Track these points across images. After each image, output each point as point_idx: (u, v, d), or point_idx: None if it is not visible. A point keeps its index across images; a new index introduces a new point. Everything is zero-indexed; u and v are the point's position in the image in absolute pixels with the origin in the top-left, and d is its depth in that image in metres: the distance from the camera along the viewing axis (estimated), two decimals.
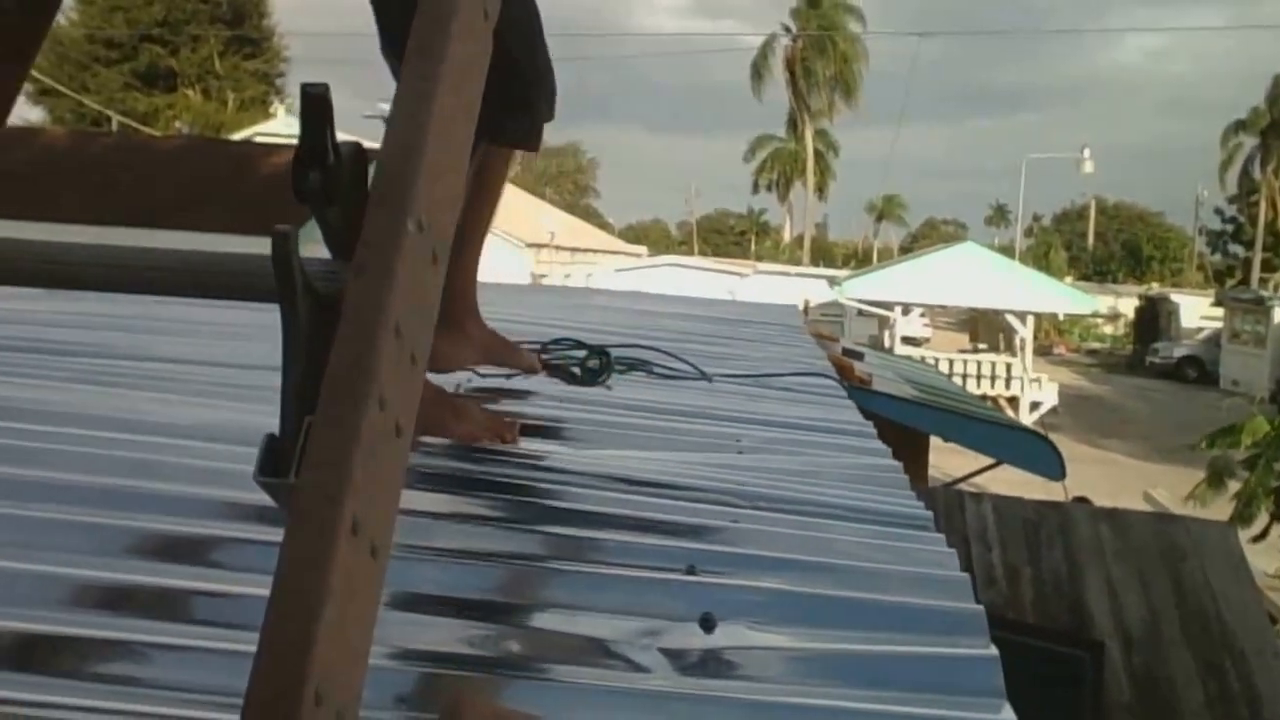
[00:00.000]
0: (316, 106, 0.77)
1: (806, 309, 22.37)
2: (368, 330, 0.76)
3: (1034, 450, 5.11)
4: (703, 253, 55.59)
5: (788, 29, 47.23)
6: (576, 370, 2.53)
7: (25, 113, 32.46)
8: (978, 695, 0.96)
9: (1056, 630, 3.22)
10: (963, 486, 5.88)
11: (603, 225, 50.67)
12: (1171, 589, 3.68)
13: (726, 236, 68.79)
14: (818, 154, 49.46)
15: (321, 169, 0.76)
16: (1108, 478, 15.73)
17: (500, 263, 23.61)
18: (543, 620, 1.08)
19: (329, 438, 0.71)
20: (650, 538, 1.24)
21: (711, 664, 1.00)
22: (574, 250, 28.29)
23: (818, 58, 46.38)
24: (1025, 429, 5.46)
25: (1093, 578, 3.63)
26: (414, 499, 1.30)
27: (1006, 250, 33.79)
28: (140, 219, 11.93)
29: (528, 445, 1.68)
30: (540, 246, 25.43)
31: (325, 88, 0.78)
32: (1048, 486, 5.76)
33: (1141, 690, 3.30)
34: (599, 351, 2.58)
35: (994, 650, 1.01)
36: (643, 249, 41.74)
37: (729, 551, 1.21)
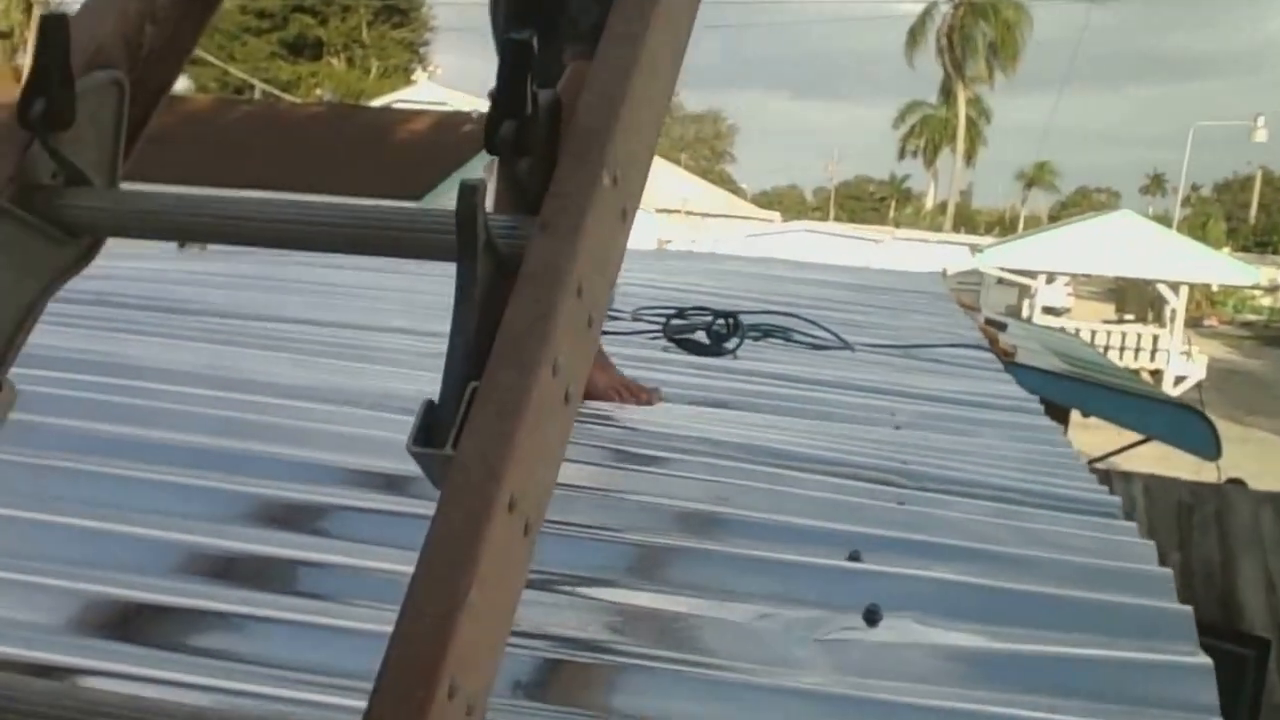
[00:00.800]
0: (519, 55, 0.73)
1: (944, 277, 21.66)
2: (550, 289, 0.71)
3: (1187, 426, 4.77)
4: (838, 218, 54.56)
5: None
6: (703, 337, 2.44)
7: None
8: (1186, 710, 0.84)
9: (1217, 625, 2.97)
10: (1111, 465, 5.56)
11: (736, 191, 50.17)
12: None
13: (864, 203, 67.24)
14: (969, 121, 47.85)
15: (518, 119, 0.71)
16: (1253, 458, 14.74)
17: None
18: (685, 606, 0.99)
19: (496, 403, 0.66)
20: (806, 519, 1.15)
21: (875, 662, 0.90)
22: (704, 215, 28.06)
23: (978, 24, 44.85)
24: (1178, 403, 5.11)
25: (1248, 568, 3.35)
26: None
27: (1162, 220, 31.98)
28: (275, 183, 12.35)
29: (664, 414, 1.61)
30: (670, 212, 25.30)
31: (530, 34, 0.73)
32: (1199, 467, 5.40)
33: None
34: (727, 316, 2.48)
35: (1205, 658, 0.88)
36: (775, 215, 41.18)
37: (895, 537, 1.11)
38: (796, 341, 2.66)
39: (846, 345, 2.68)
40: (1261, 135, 24.39)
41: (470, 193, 0.72)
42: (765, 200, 63.27)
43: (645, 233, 24.47)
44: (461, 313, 0.72)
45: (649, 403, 1.89)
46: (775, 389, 1.94)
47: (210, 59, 29.52)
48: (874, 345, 2.74)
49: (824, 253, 24.28)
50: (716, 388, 1.90)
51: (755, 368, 2.18)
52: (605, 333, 2.36)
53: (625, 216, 0.85)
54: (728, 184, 53.66)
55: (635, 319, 2.76)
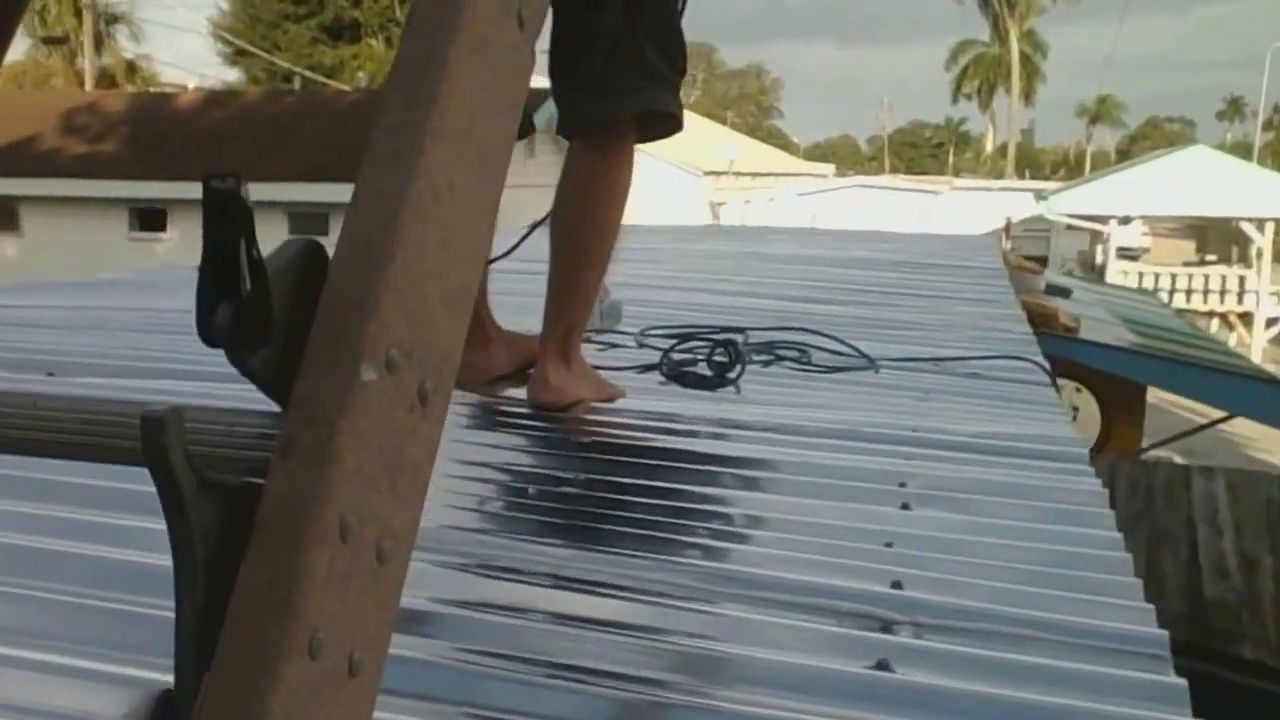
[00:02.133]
0: (221, 209, 0.54)
1: (1009, 227, 21.09)
2: (293, 544, 0.53)
3: (1276, 401, 4.40)
4: (895, 168, 53.55)
5: None
6: (705, 368, 2.19)
7: (223, 74, 34.44)
8: None
9: None
10: (1191, 460, 5.19)
11: (786, 146, 49.42)
12: None
13: (922, 150, 65.85)
14: (1024, 56, 46.35)
15: (233, 300, 0.54)
16: None
17: (678, 192, 23.34)
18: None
19: (231, 705, 0.52)
20: (744, 705, 0.90)
21: None
22: (754, 175, 27.59)
23: None
24: (1264, 376, 4.73)
25: None
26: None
27: (1241, 146, 30.62)
28: (320, 173, 12.35)
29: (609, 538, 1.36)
30: (719, 174, 24.90)
31: (236, 181, 0.54)
32: None
33: None
34: (728, 344, 2.22)
35: None
36: (830, 168, 40.45)
37: None
38: (810, 366, 2.39)
39: (870, 364, 2.41)
40: None
41: (156, 428, 0.55)
42: (819, 153, 62.28)
43: (697, 197, 24.12)
44: (183, 579, 0.54)
45: (613, 398, 1.89)
46: (765, 450, 1.68)
47: (255, 50, 29.76)
48: (902, 360, 2.45)
49: (878, 209, 23.74)
50: (696, 454, 1.64)
51: (749, 415, 1.92)
52: (606, 367, 2.15)
53: (427, 400, 0.62)
54: (778, 139, 52.86)
55: (640, 344, 2.52)
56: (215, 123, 15.33)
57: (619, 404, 1.91)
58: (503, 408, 1.86)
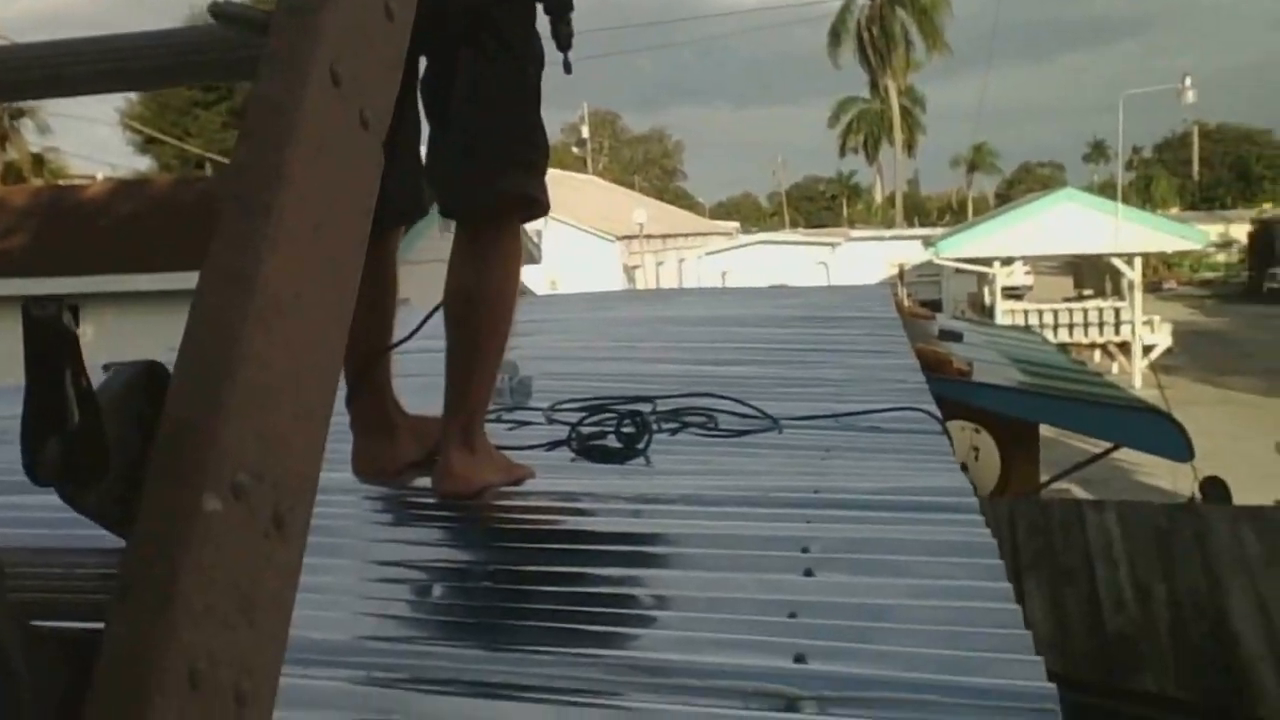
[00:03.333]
0: (45, 338, 0.50)
1: (903, 274, 21.58)
2: (135, 690, 0.47)
3: (1155, 430, 4.56)
4: (794, 222, 54.70)
5: None
6: (613, 440, 2.17)
7: (134, 162, 33.75)
8: None
9: (1215, 711, 2.70)
10: (1083, 495, 5.32)
11: (692, 206, 50.18)
12: None
13: (818, 203, 67.40)
14: (904, 110, 47.97)
15: (63, 436, 0.49)
16: (1231, 420, 14.63)
17: (593, 257, 23.43)
18: None
19: None
20: None
21: None
22: (665, 236, 27.89)
23: (895, 12, 44.87)
24: (1145, 407, 4.89)
25: (1237, 592, 3.09)
26: None
27: (1108, 186, 31.95)
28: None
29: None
30: (631, 238, 25.11)
31: (57, 308, 0.51)
32: (1175, 468, 5.17)
33: None
34: (634, 415, 2.21)
35: None
36: (734, 225, 41.12)
37: None
38: (716, 432, 2.38)
39: (774, 424, 2.41)
40: (1191, 96, 24.37)
41: None
42: (723, 211, 63.36)
43: (611, 261, 24.26)
44: None
45: (521, 480, 1.84)
46: (672, 524, 1.66)
47: (165, 138, 29.22)
48: (804, 419, 2.47)
49: (782, 262, 24.16)
50: (603, 534, 1.62)
51: (657, 486, 1.90)
52: (516, 447, 2.11)
53: (283, 526, 0.57)
54: (684, 200, 53.61)
55: (550, 420, 2.49)
56: (125, 213, 14.90)
57: (528, 485, 1.87)
58: (410, 499, 1.81)
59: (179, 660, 0.47)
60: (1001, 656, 1.13)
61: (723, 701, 1.05)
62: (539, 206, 1.76)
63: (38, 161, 29.88)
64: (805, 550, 1.50)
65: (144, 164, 33.05)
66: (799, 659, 1.14)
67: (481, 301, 1.71)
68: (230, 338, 0.54)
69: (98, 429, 0.49)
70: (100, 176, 22.92)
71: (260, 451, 0.53)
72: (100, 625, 0.49)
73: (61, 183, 24.39)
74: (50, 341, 0.49)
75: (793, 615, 1.27)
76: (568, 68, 1.73)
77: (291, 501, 0.57)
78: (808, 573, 1.42)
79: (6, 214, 15.42)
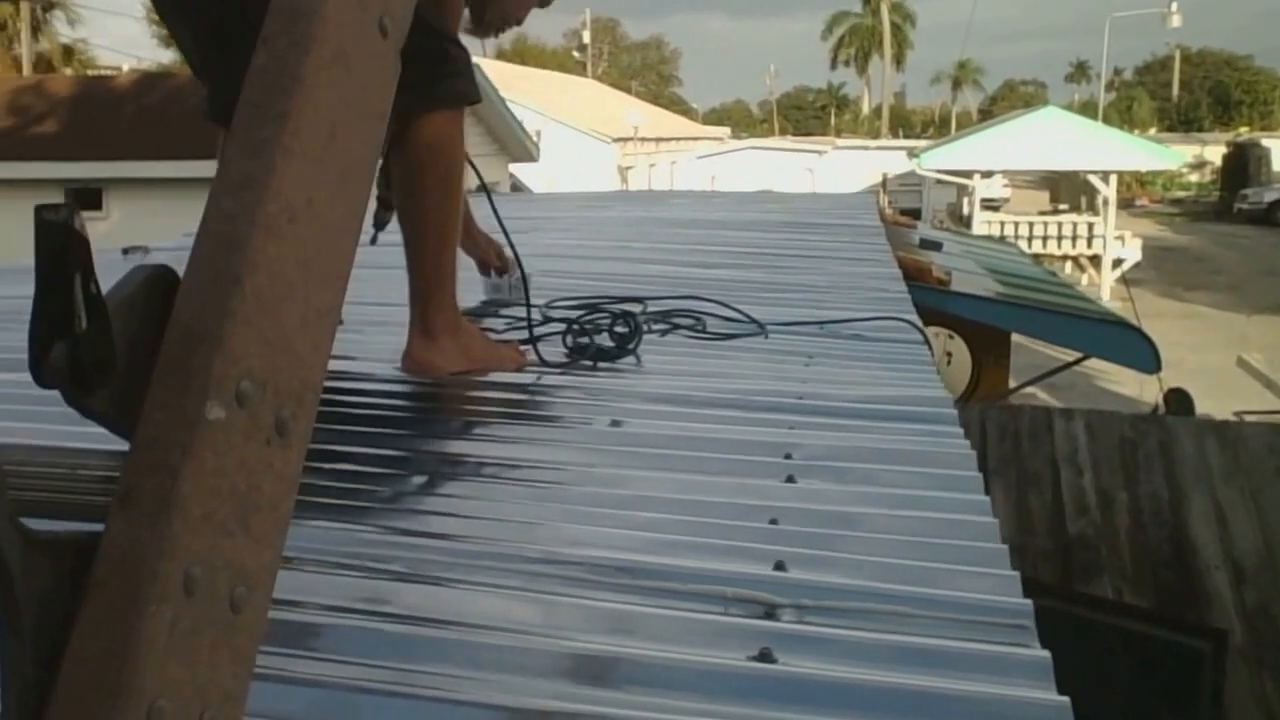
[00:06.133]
0: (54, 241, 0.47)
1: (885, 183, 21.30)
2: (131, 596, 0.45)
3: (1125, 342, 4.50)
4: (784, 130, 53.80)
5: None
6: (607, 340, 2.10)
7: (158, 55, 32.77)
8: None
9: (1170, 619, 2.70)
10: (1052, 403, 5.30)
11: (686, 112, 49.16)
12: None
13: (807, 112, 66.14)
14: (894, 26, 46.78)
15: (69, 339, 0.47)
16: (1194, 332, 14.68)
17: (589, 157, 23.02)
18: None
19: None
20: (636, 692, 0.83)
21: None
22: (658, 140, 27.37)
23: None
24: (1115, 320, 4.83)
25: (1198, 501, 3.07)
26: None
27: (1089, 107, 31.41)
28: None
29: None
30: (625, 140, 24.62)
31: (69, 211, 0.47)
32: (1141, 377, 5.15)
33: (1256, 631, 2.78)
34: (626, 315, 2.13)
35: None
36: (725, 130, 40.35)
37: None
38: (705, 334, 2.31)
39: (760, 329, 2.34)
40: (1176, 20, 23.74)
41: None
42: (715, 117, 62.12)
43: (607, 162, 23.84)
44: (9, 649, 0.45)
45: (503, 366, 1.84)
46: (659, 424, 1.60)
47: None
48: (789, 324, 2.40)
49: (770, 169, 23.76)
50: (583, 428, 1.56)
51: (646, 386, 1.84)
52: (507, 342, 2.04)
53: (287, 432, 0.55)
54: (678, 105, 52.49)
55: (546, 318, 2.41)
56: (149, 103, 14.59)
57: (517, 376, 1.81)
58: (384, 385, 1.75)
59: (175, 567, 0.45)
60: (978, 570, 1.08)
61: (701, 606, 1.00)
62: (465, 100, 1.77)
63: (67, 53, 28.92)
64: (788, 457, 1.45)
65: (168, 57, 32.07)
66: (779, 566, 1.09)
67: (416, 194, 1.69)
68: (239, 245, 0.50)
69: (105, 334, 0.47)
70: (126, 68, 22.25)
71: (265, 358, 0.50)
72: (100, 527, 0.47)
73: (90, 74, 23.73)
74: (61, 245, 0.46)
75: (774, 522, 1.22)
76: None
77: (294, 408, 0.52)
78: (789, 479, 1.37)
79: (41, 101, 15.09)
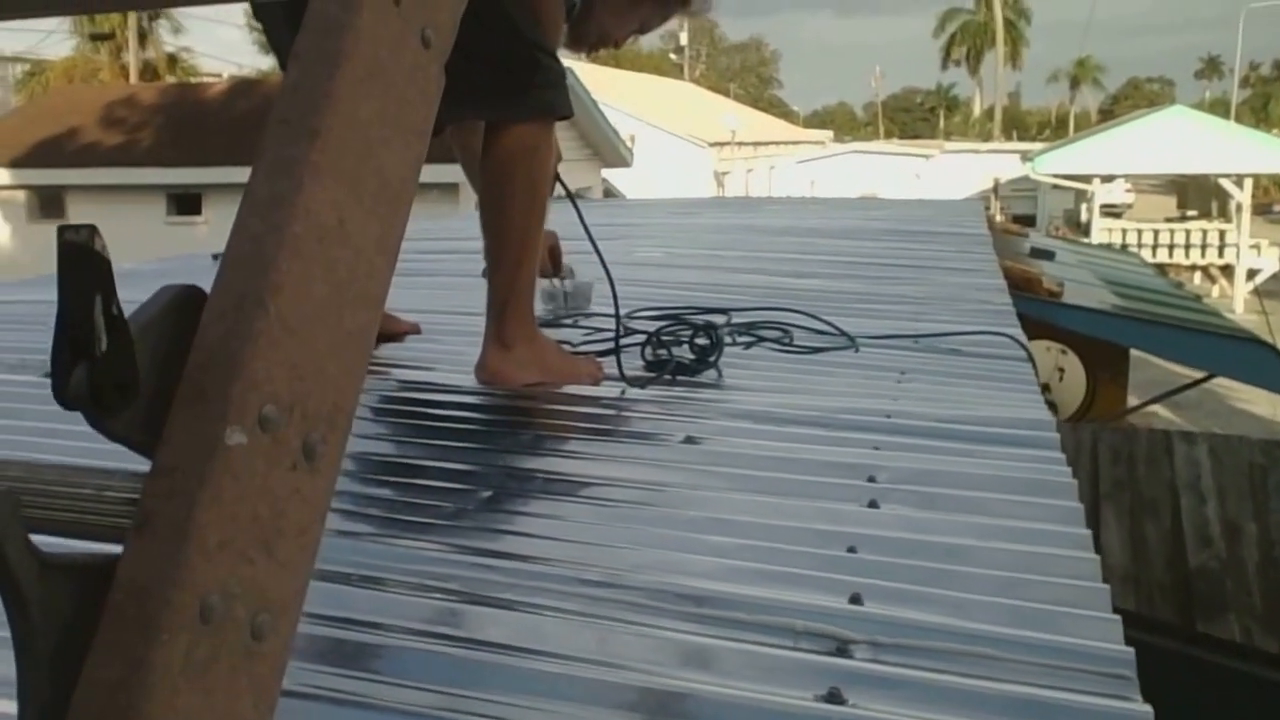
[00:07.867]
0: (77, 262, 0.47)
1: (997, 188, 20.70)
2: (145, 624, 0.45)
3: (1255, 360, 4.25)
4: (889, 133, 52.96)
5: None
6: (688, 354, 2.07)
7: (259, 61, 34.16)
8: None
9: None
10: (1175, 422, 5.04)
11: (786, 115, 48.80)
12: None
13: (914, 114, 64.92)
14: (1008, 22, 45.54)
15: (90, 361, 0.47)
16: None
17: (685, 163, 23.03)
18: None
19: None
20: None
21: None
22: (756, 144, 27.21)
23: None
24: (1245, 335, 4.56)
25: None
26: None
27: (1220, 104, 29.93)
28: None
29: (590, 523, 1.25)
30: (722, 144, 24.56)
31: (89, 232, 0.48)
32: (1275, 398, 4.86)
33: None
34: (708, 327, 2.10)
35: None
36: (827, 134, 39.92)
37: None
38: (791, 347, 2.26)
39: (851, 342, 2.28)
40: None
41: None
42: (818, 120, 61.49)
43: (703, 167, 23.83)
44: (25, 675, 0.46)
45: (596, 379, 1.86)
46: (738, 442, 1.57)
47: None
48: (882, 337, 2.33)
49: (874, 173, 23.37)
50: (667, 444, 1.53)
51: (727, 402, 1.80)
52: (581, 354, 2.04)
53: (313, 455, 0.55)
54: (778, 108, 52.15)
55: (626, 330, 2.40)
56: (243, 109, 15.25)
57: (593, 390, 1.80)
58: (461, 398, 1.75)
59: (190, 595, 0.45)
60: (1075, 611, 1.01)
61: (768, 638, 0.97)
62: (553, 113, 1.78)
63: (171, 61, 30.43)
64: (872, 480, 1.39)
65: (267, 63, 33.46)
66: (854, 599, 1.04)
67: (511, 190, 1.71)
68: (265, 266, 0.50)
69: (127, 356, 0.47)
70: (226, 75, 23.32)
71: (292, 382, 0.49)
72: (113, 553, 0.47)
73: (190, 81, 24.93)
74: (82, 266, 0.46)
75: (852, 550, 1.17)
76: None
77: (324, 432, 0.52)
78: (872, 504, 1.32)
79: (144, 108, 15.95)
